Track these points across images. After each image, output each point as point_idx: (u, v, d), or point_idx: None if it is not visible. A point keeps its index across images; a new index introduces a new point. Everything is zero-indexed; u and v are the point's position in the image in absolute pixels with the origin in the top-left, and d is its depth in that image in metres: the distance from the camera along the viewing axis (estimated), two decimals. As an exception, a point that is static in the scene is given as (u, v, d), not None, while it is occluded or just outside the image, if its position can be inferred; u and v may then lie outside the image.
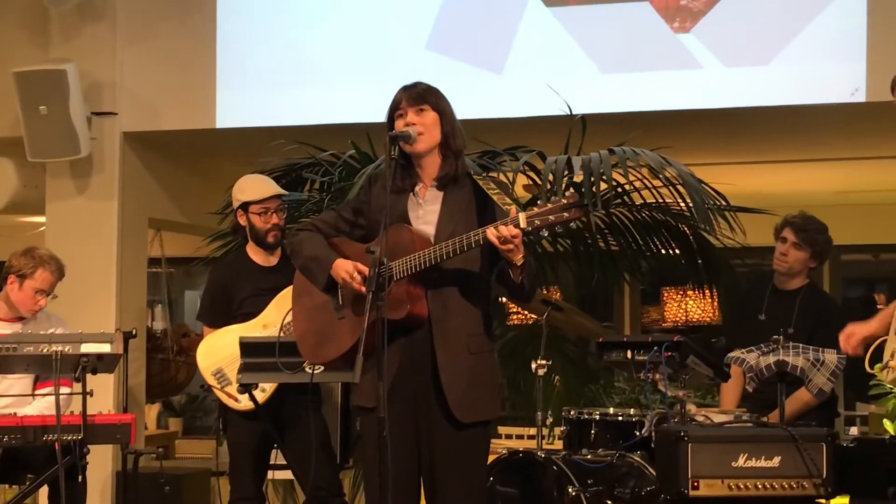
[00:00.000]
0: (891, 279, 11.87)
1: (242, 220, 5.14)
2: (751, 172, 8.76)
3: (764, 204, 6.21)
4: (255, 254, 5.15)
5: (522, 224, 3.46)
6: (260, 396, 4.85)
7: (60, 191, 7.25)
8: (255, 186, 5.18)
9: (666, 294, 10.38)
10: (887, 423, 6.78)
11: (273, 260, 5.14)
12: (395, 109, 3.76)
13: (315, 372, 4.11)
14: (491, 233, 3.48)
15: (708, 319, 10.08)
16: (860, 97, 6.12)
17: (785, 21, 6.28)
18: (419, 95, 3.74)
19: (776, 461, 4.04)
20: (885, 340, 3.63)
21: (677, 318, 10.27)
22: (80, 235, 7.11)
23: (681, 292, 10.15)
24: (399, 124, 3.72)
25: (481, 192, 3.69)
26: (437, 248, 3.58)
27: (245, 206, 5.12)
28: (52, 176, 7.27)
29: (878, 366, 3.66)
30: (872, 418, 8.42)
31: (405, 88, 3.78)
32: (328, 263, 3.69)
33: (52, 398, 4.67)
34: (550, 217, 3.45)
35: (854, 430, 8.80)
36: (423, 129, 3.70)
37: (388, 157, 3.63)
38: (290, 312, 3.96)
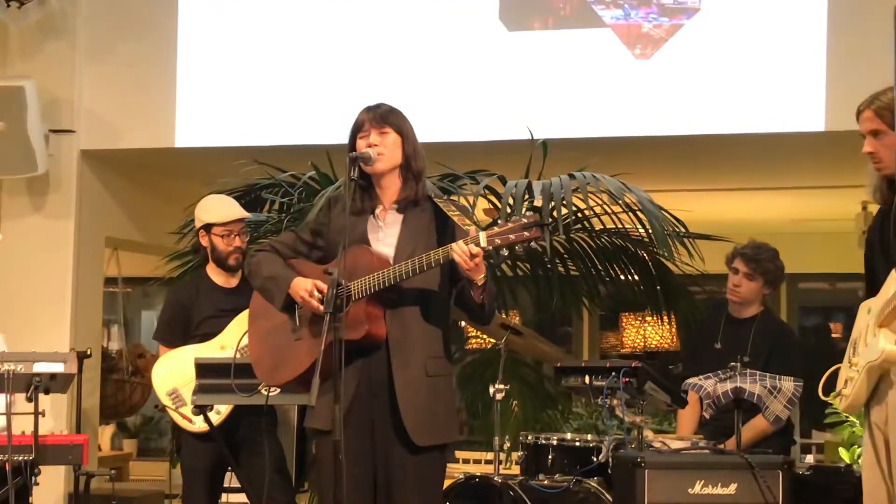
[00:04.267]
0: (847, 308, 11.94)
1: (204, 241, 5.10)
2: (709, 199, 8.80)
3: (722, 231, 6.22)
4: (215, 274, 5.11)
5: (483, 243, 3.46)
6: (215, 418, 4.79)
7: (16, 208, 7.18)
8: (219, 208, 5.13)
9: (625, 320, 10.39)
10: (843, 452, 6.80)
11: (234, 281, 5.09)
12: (357, 130, 3.75)
13: (271, 394, 4.06)
14: (452, 250, 3.48)
15: (666, 346, 10.09)
16: (818, 126, 6.17)
17: (745, 50, 6.33)
18: (381, 117, 3.74)
19: (732, 488, 4.04)
20: (839, 368, 3.64)
21: (636, 344, 10.28)
22: (35, 254, 7.02)
23: (639, 318, 10.17)
24: (361, 145, 3.72)
25: (441, 214, 3.69)
26: (397, 267, 3.56)
27: (208, 227, 5.07)
28: (8, 193, 7.19)
29: (832, 394, 3.66)
30: (828, 446, 8.44)
31: (368, 109, 3.78)
32: (286, 282, 3.66)
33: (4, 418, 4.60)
34: (511, 236, 3.45)
35: (810, 459, 8.82)
36: (385, 150, 3.70)
37: (347, 178, 3.64)
38: (246, 335, 3.92)
